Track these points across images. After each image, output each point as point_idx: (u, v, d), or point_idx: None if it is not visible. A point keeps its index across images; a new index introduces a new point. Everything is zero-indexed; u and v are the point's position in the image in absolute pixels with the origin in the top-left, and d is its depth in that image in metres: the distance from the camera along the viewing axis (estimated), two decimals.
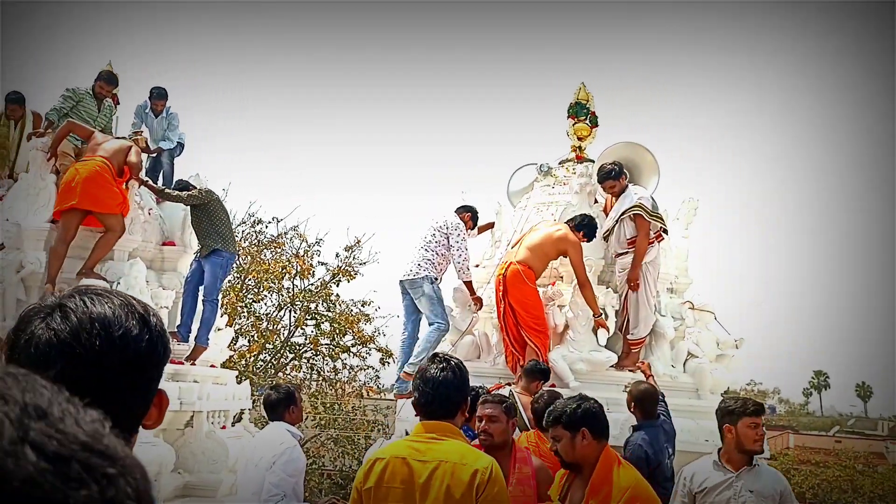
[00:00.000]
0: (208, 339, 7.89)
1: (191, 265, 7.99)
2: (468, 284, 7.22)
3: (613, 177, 7.16)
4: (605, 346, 7.05)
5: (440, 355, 3.05)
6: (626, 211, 7.04)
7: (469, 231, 7.46)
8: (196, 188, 7.93)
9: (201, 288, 7.88)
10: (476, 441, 3.59)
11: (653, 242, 7.09)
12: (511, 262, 6.70)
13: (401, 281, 7.31)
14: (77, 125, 7.56)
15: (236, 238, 17.74)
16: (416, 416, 3.13)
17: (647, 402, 5.29)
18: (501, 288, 6.67)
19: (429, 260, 7.08)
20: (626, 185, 7.22)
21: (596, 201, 7.71)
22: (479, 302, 7.22)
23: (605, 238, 7.33)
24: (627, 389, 5.53)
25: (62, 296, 1.15)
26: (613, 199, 7.31)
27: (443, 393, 2.84)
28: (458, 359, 3.02)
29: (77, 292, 1.16)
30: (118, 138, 7.77)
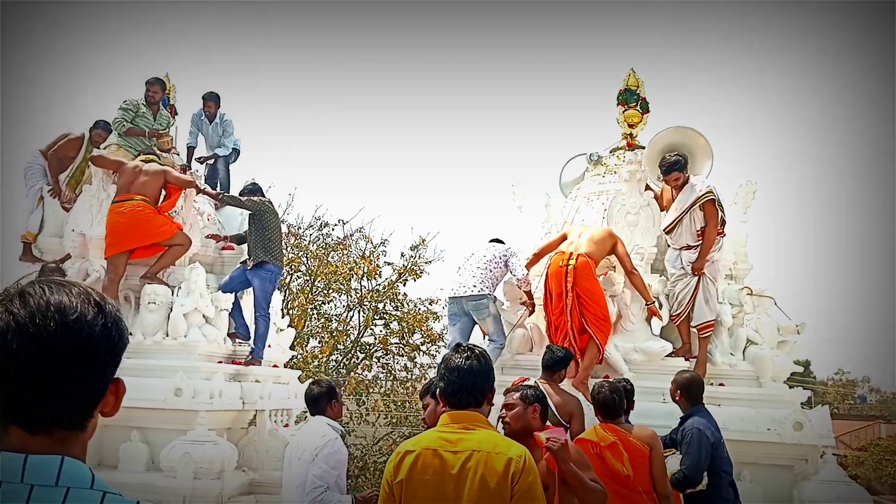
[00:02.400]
0: (263, 352, 8.04)
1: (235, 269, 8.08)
2: (528, 293, 7.12)
3: (679, 168, 6.90)
4: (661, 336, 6.90)
5: (464, 345, 3.02)
6: (696, 200, 6.82)
7: None
8: (260, 192, 8.07)
9: (242, 293, 8.08)
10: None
11: (721, 233, 6.91)
12: (580, 254, 6.60)
13: (457, 297, 6.97)
14: (105, 159, 7.80)
15: (303, 243, 18.22)
16: (441, 408, 3.14)
17: (693, 389, 5.19)
18: (570, 279, 6.55)
19: (489, 280, 6.88)
20: (688, 177, 7.02)
21: (648, 188, 7.52)
22: (533, 307, 7.15)
23: (668, 232, 7.04)
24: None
25: (24, 285, 1.22)
26: (674, 191, 7.06)
27: (469, 381, 2.83)
28: (481, 348, 2.99)
29: (38, 282, 1.23)
30: (145, 156, 7.90)
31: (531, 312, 7.17)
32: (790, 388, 7.02)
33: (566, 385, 5.90)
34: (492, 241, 7.22)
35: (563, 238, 7.03)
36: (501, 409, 3.67)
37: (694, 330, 6.88)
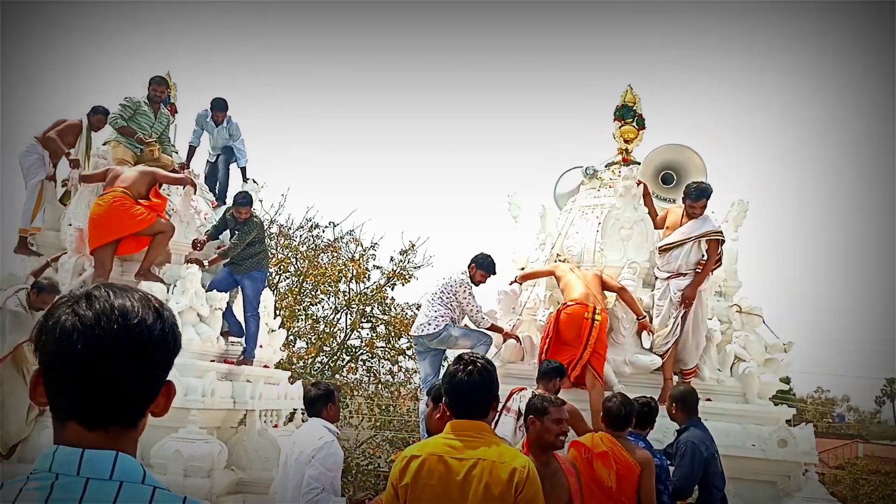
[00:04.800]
0: (254, 352, 8.11)
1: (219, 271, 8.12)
2: (493, 327, 7.12)
3: (707, 196, 6.91)
4: (650, 350, 7.00)
5: (466, 357, 3.03)
6: (707, 234, 6.85)
7: (479, 281, 7.12)
8: (250, 203, 8.05)
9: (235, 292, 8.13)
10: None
11: (717, 267, 7.00)
12: (604, 309, 6.65)
13: (417, 337, 7.09)
14: (92, 175, 7.81)
15: (293, 244, 18.24)
16: (437, 413, 3.21)
17: (688, 402, 5.28)
18: (594, 335, 6.51)
19: (444, 310, 6.93)
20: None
21: (649, 202, 7.50)
22: (509, 337, 7.17)
23: (663, 250, 7.03)
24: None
25: (89, 288, 1.29)
26: (685, 216, 6.99)
27: (470, 396, 2.89)
28: (485, 359, 3.02)
29: (103, 285, 1.30)
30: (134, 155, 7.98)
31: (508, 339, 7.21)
32: (775, 405, 7.15)
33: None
34: (472, 260, 7.23)
35: (552, 273, 7.12)
36: (529, 417, 3.80)
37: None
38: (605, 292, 6.99)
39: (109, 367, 1.21)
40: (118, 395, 1.23)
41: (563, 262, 7.35)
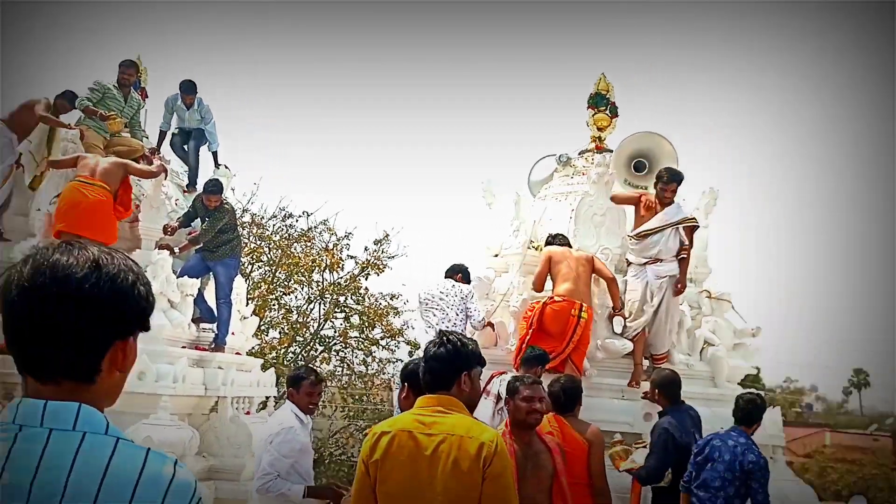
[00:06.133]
0: (226, 339, 8.05)
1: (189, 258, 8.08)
2: (488, 324, 7.15)
3: (679, 181, 7.01)
4: (621, 335, 7.06)
5: (443, 332, 3.08)
6: (683, 220, 6.96)
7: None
8: (220, 190, 7.98)
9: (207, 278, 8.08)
10: None
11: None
12: (589, 308, 6.67)
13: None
14: (62, 161, 7.65)
15: (267, 232, 18.12)
16: (402, 393, 3.25)
17: (670, 388, 5.33)
18: (579, 333, 6.55)
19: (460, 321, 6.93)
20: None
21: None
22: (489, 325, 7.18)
23: (641, 237, 7.05)
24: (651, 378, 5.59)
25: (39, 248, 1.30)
26: (657, 203, 7.05)
27: (434, 367, 2.93)
28: (461, 336, 3.05)
29: (52, 245, 1.31)
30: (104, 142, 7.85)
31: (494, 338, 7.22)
32: (744, 388, 7.24)
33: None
34: (450, 270, 7.28)
35: (549, 260, 6.90)
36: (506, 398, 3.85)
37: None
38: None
39: (43, 319, 1.22)
40: (55, 348, 1.23)
41: (555, 244, 7.21)
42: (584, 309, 6.60)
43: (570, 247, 7.06)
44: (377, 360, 18.64)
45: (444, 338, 3.01)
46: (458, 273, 7.30)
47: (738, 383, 7.22)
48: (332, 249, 18.00)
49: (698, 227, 7.03)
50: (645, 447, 5.39)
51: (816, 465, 27.57)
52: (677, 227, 6.96)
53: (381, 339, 18.32)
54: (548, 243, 7.13)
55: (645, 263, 7.01)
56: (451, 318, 6.91)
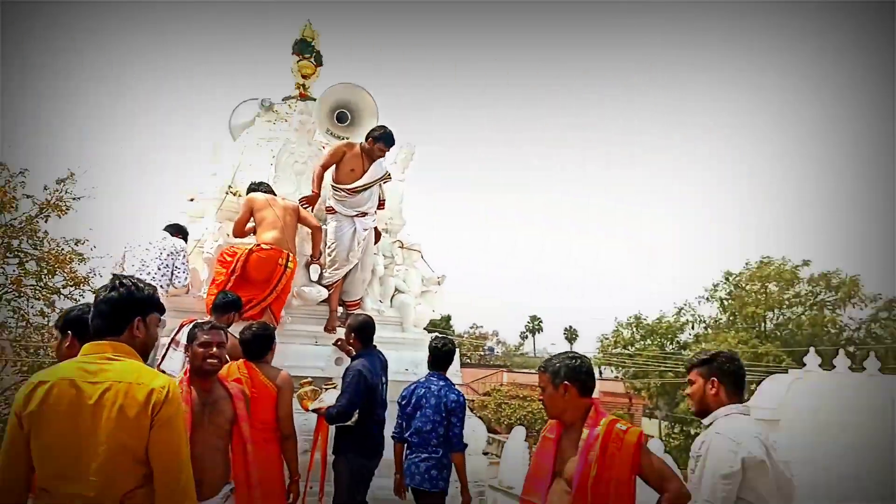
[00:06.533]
0: None
1: None
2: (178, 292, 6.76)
3: (392, 146, 7.16)
4: (318, 282, 7.18)
5: (116, 276, 2.95)
6: (384, 177, 7.14)
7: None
8: None
9: None
10: None
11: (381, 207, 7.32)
12: (294, 257, 6.61)
13: None
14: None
15: None
16: (65, 342, 3.03)
17: (365, 331, 5.53)
18: (283, 283, 6.51)
19: (163, 276, 6.45)
20: None
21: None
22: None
23: (355, 192, 7.09)
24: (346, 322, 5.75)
25: None
26: (366, 159, 7.09)
27: (104, 310, 2.81)
28: (137, 280, 2.93)
29: None
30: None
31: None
32: (429, 332, 7.78)
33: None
34: (171, 226, 6.82)
35: (251, 207, 6.74)
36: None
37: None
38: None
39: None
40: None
41: (259, 191, 7.02)
42: (290, 258, 6.62)
43: (275, 195, 6.98)
44: (58, 311, 17.03)
45: (117, 281, 2.88)
46: (179, 232, 6.80)
47: (428, 329, 7.72)
48: (4, 187, 15.97)
49: (388, 180, 7.30)
50: (335, 388, 5.56)
51: (494, 401, 30.66)
52: (380, 183, 7.20)
53: (63, 287, 16.76)
54: (250, 190, 6.99)
55: (355, 216, 7.17)
56: (151, 271, 6.50)
